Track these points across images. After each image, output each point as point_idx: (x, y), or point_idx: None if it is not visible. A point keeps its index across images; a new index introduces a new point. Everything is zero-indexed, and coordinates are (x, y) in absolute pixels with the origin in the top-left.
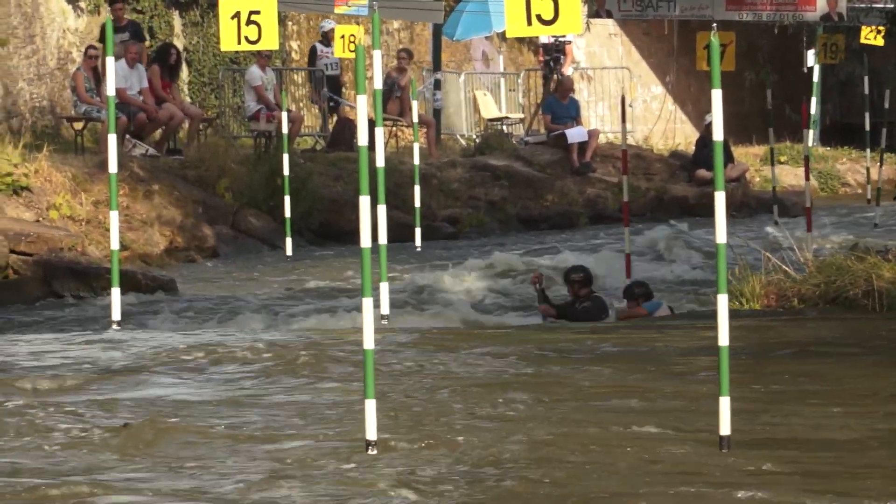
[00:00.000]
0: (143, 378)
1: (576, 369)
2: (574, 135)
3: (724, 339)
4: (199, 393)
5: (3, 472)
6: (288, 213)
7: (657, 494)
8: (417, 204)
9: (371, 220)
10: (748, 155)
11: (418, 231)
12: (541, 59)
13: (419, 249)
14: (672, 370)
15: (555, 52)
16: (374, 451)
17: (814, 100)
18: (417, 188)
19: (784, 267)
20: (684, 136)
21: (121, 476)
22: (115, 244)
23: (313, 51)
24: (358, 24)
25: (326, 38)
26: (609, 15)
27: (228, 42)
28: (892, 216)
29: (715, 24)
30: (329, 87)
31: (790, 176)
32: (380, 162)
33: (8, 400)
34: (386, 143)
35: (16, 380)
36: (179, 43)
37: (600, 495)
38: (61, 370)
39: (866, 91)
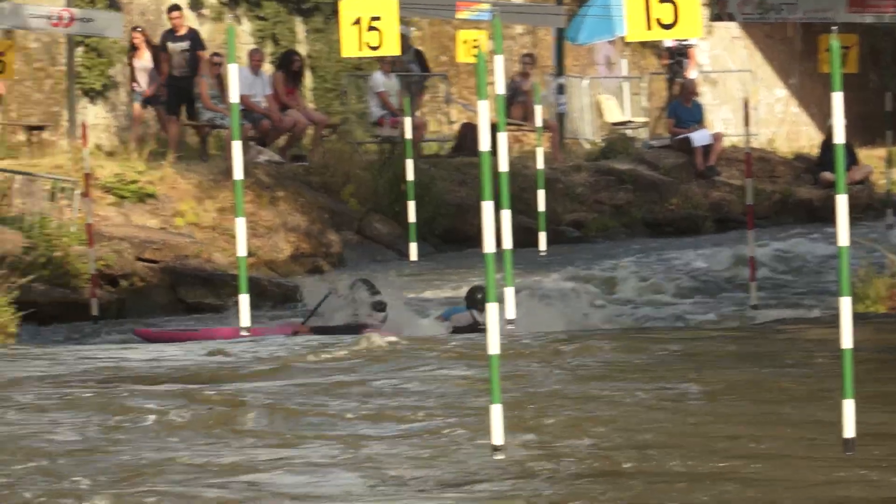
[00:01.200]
0: (276, 378)
1: (696, 371)
2: (698, 138)
3: (847, 341)
4: (335, 404)
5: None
6: (412, 219)
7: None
8: (542, 208)
9: (495, 225)
10: (872, 157)
11: (543, 235)
12: (664, 62)
13: (544, 254)
14: (793, 373)
15: (678, 56)
16: (501, 456)
17: None
18: (542, 192)
19: None
20: (809, 139)
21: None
22: (242, 251)
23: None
24: (480, 29)
25: None
26: (731, 18)
27: (349, 48)
28: None
29: (835, 27)
30: None
31: None
32: (503, 167)
33: (141, 405)
34: (510, 148)
35: (148, 385)
36: (303, 49)
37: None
38: (192, 377)
39: None
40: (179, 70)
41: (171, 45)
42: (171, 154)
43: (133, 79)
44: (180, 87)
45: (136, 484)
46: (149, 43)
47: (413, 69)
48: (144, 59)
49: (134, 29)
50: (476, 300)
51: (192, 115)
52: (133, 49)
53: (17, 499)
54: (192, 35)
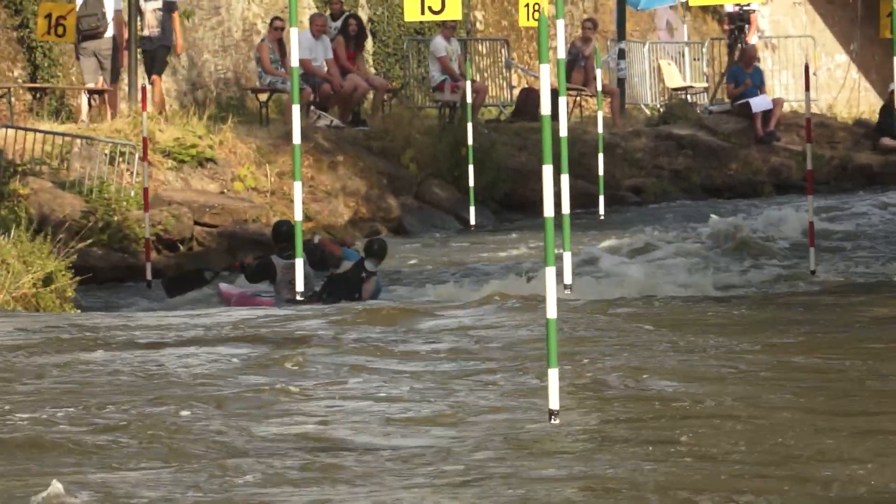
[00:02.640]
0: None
1: (754, 337)
2: (758, 104)
3: None
4: (382, 362)
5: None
6: (472, 184)
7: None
8: (601, 172)
9: (554, 190)
10: None
11: (602, 200)
12: (725, 27)
13: (602, 218)
14: (855, 337)
15: (739, 21)
16: (557, 421)
17: None
18: (601, 157)
19: None
20: (868, 105)
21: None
22: (298, 215)
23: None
24: None
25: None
26: None
27: (412, 12)
28: None
29: None
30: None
31: None
32: (563, 131)
33: (221, 371)
34: (570, 113)
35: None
36: (364, 14)
37: (813, 473)
38: (245, 342)
39: None
40: (150, 30)
41: (143, 4)
42: (231, 118)
43: None
44: (149, 51)
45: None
46: None
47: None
48: None
49: None
50: (372, 251)
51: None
52: None
53: None
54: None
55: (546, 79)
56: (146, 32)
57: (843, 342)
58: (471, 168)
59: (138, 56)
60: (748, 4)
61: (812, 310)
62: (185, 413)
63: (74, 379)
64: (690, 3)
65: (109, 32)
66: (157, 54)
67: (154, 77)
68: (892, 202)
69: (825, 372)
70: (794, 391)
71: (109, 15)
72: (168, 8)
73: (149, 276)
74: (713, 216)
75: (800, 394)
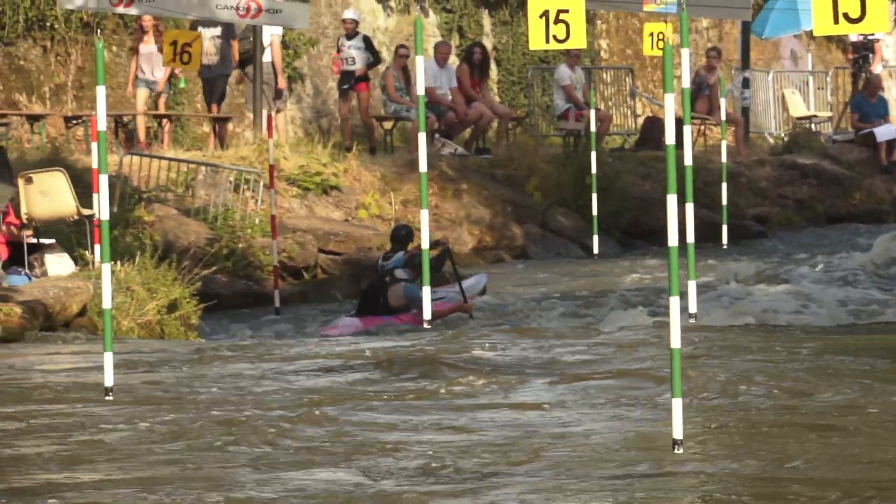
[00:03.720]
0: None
1: (885, 374)
2: (883, 133)
3: None
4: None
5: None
6: (595, 212)
7: None
8: (724, 202)
9: (679, 219)
10: None
11: (725, 229)
12: (849, 57)
13: (726, 248)
14: None
15: (863, 51)
16: (681, 450)
17: None
18: (725, 186)
19: None
20: None
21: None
22: (425, 243)
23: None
24: (666, 22)
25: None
26: None
27: (537, 41)
28: None
29: None
30: (342, 81)
31: None
32: (688, 160)
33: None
34: (694, 142)
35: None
36: (489, 42)
37: None
38: (374, 367)
39: None
40: (209, 59)
41: (202, 30)
42: (356, 146)
43: (137, 65)
44: (208, 79)
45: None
46: (157, 28)
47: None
48: (150, 45)
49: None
50: (400, 237)
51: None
52: (142, 32)
53: None
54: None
55: (671, 108)
56: (205, 61)
57: None
58: (594, 196)
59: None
60: (872, 34)
61: None
62: None
63: None
64: (815, 34)
65: (267, 57)
66: (216, 83)
67: (213, 105)
68: None
69: None
70: None
71: (266, 40)
72: (227, 35)
73: (277, 302)
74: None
75: None
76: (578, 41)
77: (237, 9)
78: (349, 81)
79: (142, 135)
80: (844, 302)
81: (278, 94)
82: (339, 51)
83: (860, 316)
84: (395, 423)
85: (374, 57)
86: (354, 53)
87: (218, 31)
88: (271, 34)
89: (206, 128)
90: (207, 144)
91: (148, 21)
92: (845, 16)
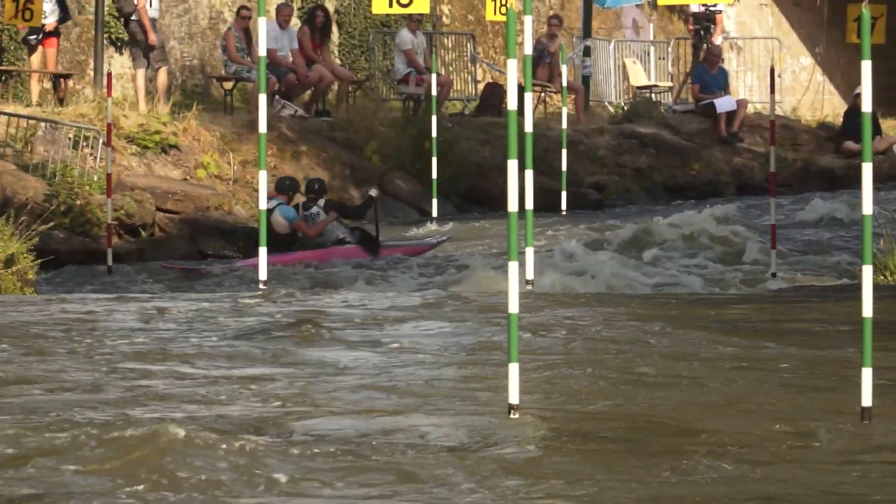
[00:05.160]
0: (296, 337)
1: (714, 339)
2: (723, 104)
3: (867, 310)
4: (357, 356)
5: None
6: (434, 176)
7: (789, 462)
8: (564, 169)
9: (518, 185)
10: None
11: (564, 196)
12: (691, 27)
13: (564, 214)
14: (812, 341)
15: (705, 22)
16: (517, 415)
17: None
18: (564, 153)
19: None
20: (832, 108)
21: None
22: (262, 204)
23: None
24: None
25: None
26: None
27: (380, 5)
28: None
29: None
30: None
31: None
32: (528, 127)
33: (163, 359)
34: (534, 109)
35: (164, 343)
36: (331, 5)
37: (735, 467)
38: (208, 332)
39: None
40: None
41: None
42: (196, 106)
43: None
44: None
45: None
46: None
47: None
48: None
49: None
50: (284, 186)
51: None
52: None
53: None
54: None
55: (513, 74)
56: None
57: (790, 346)
58: (434, 161)
59: (104, 42)
60: (714, 5)
61: (767, 311)
62: None
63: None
64: (658, 3)
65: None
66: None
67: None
68: (853, 205)
69: (764, 367)
70: (743, 388)
71: None
72: None
73: (110, 261)
74: (675, 216)
75: (746, 387)
76: (422, 6)
77: None
78: (38, 34)
79: None
80: (670, 270)
81: (150, 49)
82: None
83: (678, 283)
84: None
85: (64, 13)
86: (46, 7)
87: None
88: None
89: (47, 84)
90: (48, 100)
91: None
92: None
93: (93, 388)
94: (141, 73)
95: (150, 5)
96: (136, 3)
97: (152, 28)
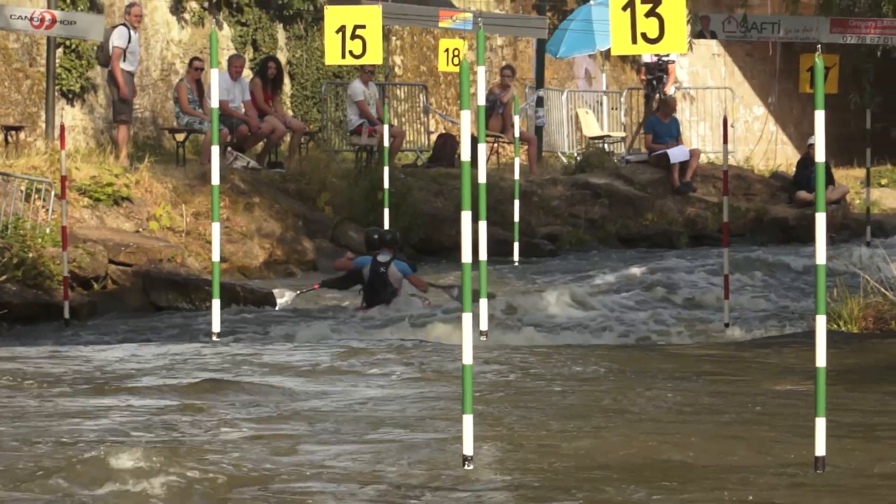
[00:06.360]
0: (239, 387)
1: (667, 388)
2: (677, 154)
3: (821, 360)
4: (294, 404)
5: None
6: (387, 227)
7: None
8: (517, 219)
9: (472, 236)
10: (849, 178)
11: (517, 247)
12: (643, 77)
13: (517, 265)
14: (767, 391)
15: (657, 72)
16: (471, 466)
17: None
18: (517, 204)
19: (883, 290)
20: (785, 158)
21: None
22: (216, 256)
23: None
24: (463, 38)
25: None
26: (713, 36)
27: (333, 56)
28: None
29: (819, 46)
30: None
31: (891, 199)
32: (482, 178)
33: (110, 408)
34: (487, 160)
35: (116, 389)
36: (283, 56)
37: None
38: (161, 380)
39: None
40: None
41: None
42: (148, 157)
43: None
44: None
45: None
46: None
47: None
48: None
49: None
50: (374, 243)
51: None
52: None
53: None
54: None
55: (467, 125)
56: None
57: (743, 395)
58: (386, 212)
59: (55, 94)
60: (667, 55)
61: (721, 361)
62: None
63: None
64: (613, 53)
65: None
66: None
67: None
68: (806, 257)
69: (717, 415)
70: (697, 437)
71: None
72: None
73: (66, 314)
74: (633, 268)
75: (700, 437)
76: (375, 57)
77: (31, 19)
78: None
79: None
80: (623, 321)
81: (121, 102)
82: None
83: (641, 340)
84: None
85: None
86: None
87: None
88: (113, 45)
89: None
90: None
91: None
92: (643, 36)
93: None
94: (121, 128)
95: (125, 59)
96: (110, 54)
97: (128, 82)
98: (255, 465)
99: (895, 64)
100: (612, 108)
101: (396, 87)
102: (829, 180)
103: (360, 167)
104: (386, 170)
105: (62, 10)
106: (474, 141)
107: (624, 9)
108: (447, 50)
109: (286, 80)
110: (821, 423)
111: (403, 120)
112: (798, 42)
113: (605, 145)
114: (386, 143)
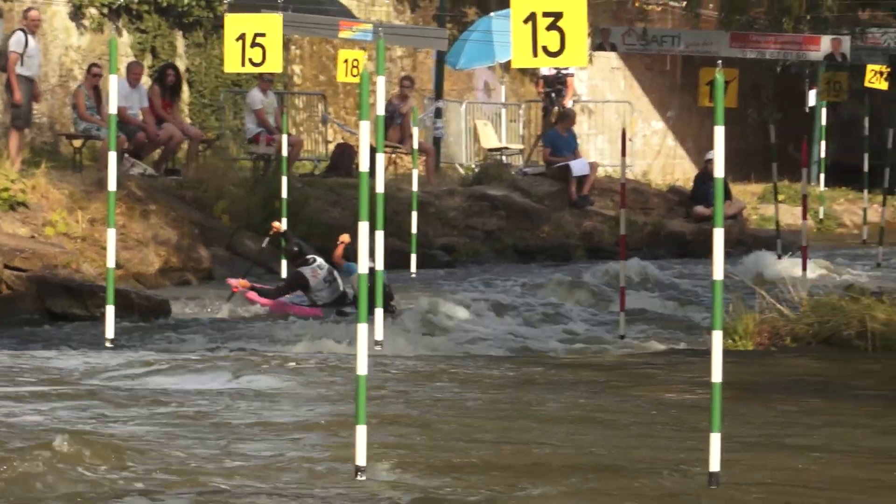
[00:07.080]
0: (138, 394)
1: (563, 399)
2: (578, 167)
3: (717, 375)
4: (187, 412)
5: None
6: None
7: None
8: (414, 231)
9: (369, 247)
10: (746, 193)
11: (414, 258)
12: (541, 90)
13: (414, 276)
14: (662, 405)
15: (556, 84)
16: (363, 477)
17: (819, 140)
18: (415, 215)
19: (778, 306)
20: (683, 172)
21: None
22: (111, 262)
23: None
24: (363, 49)
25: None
26: (613, 48)
27: (232, 64)
28: (894, 256)
29: (720, 61)
30: None
31: (787, 215)
32: (379, 188)
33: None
34: (385, 170)
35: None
36: (182, 64)
37: None
38: (54, 386)
39: (866, 132)
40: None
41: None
42: (45, 163)
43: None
44: None
45: None
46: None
47: None
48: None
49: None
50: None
51: None
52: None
53: None
54: None
55: (366, 135)
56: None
57: (637, 408)
58: (284, 221)
59: None
60: (566, 68)
61: (615, 373)
62: None
63: None
64: (514, 65)
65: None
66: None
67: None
68: (700, 271)
69: (611, 427)
70: (589, 449)
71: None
72: None
73: None
74: (530, 280)
75: (594, 449)
76: (275, 65)
77: None
78: None
79: None
80: (517, 333)
81: (16, 108)
82: None
83: (535, 351)
84: None
85: None
86: None
87: None
88: (10, 50)
89: None
90: None
91: None
92: (544, 49)
93: None
94: (13, 133)
95: (22, 63)
96: (8, 57)
97: (24, 87)
98: (142, 475)
99: (794, 80)
100: (511, 121)
101: (295, 97)
102: (727, 195)
103: (257, 176)
104: (284, 179)
105: None
106: (373, 151)
107: (525, 21)
108: (346, 60)
109: (185, 88)
110: (716, 439)
111: (302, 129)
112: (698, 56)
113: (503, 157)
114: (284, 152)
